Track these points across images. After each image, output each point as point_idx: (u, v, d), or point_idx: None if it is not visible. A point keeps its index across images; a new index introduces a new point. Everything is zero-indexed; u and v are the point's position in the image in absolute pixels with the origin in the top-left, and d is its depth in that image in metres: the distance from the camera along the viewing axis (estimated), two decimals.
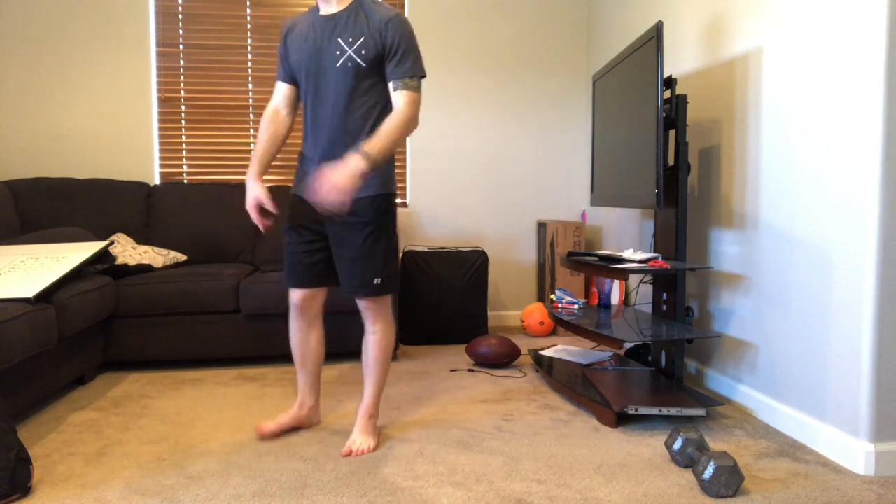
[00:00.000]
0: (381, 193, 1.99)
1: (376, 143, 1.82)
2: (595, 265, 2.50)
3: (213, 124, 3.87)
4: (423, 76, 1.95)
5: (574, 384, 2.53)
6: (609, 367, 2.76)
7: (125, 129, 3.78)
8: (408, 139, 3.99)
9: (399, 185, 4.03)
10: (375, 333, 2.09)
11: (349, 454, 2.01)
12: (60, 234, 2.94)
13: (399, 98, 1.91)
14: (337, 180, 1.76)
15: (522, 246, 4.15)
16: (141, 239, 3.49)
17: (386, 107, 1.98)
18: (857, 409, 1.89)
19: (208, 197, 3.59)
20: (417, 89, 1.92)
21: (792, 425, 2.17)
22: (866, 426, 1.87)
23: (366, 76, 1.93)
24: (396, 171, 4.00)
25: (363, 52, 1.90)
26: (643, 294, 3.37)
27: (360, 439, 2.05)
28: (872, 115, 1.83)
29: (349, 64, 1.91)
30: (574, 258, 2.73)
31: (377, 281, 2.01)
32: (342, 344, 3.11)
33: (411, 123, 1.90)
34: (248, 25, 3.85)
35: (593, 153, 3.25)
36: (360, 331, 3.10)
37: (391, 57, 1.92)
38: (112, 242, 2.84)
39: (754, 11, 2.39)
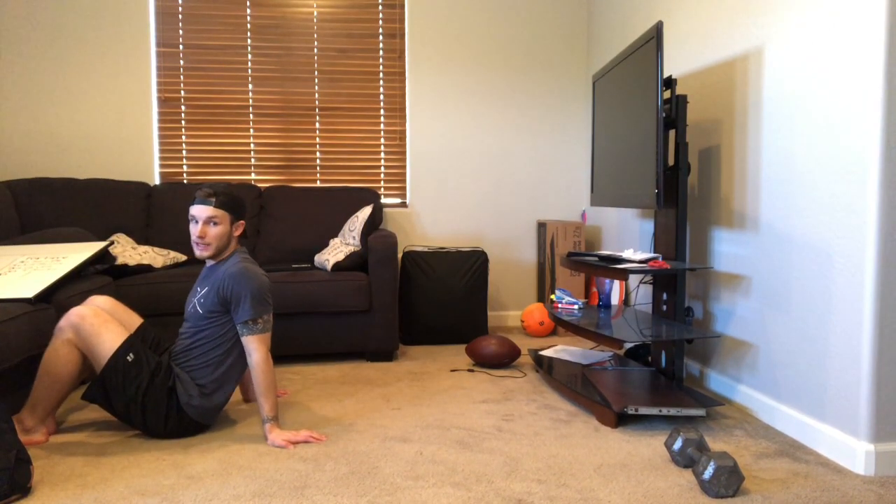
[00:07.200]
0: None
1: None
2: (595, 265, 2.50)
3: (213, 124, 3.87)
4: None
5: (574, 384, 2.53)
6: (609, 367, 2.76)
7: (125, 129, 3.78)
8: (408, 139, 4.00)
9: (399, 185, 4.03)
10: None
11: None
12: (60, 234, 2.94)
13: None
14: None
15: (522, 246, 4.15)
16: (141, 239, 3.49)
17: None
18: (857, 410, 1.89)
19: None
20: None
21: (792, 425, 2.17)
22: (866, 426, 1.87)
23: None
24: (397, 171, 4.00)
25: None
26: (643, 294, 3.37)
27: None
28: (872, 114, 1.83)
29: None
30: (574, 258, 2.73)
31: None
32: (342, 344, 3.11)
33: None
34: (248, 25, 3.85)
35: (593, 153, 3.25)
36: (358, 331, 3.10)
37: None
38: (112, 242, 2.84)
39: (754, 11, 2.39)
